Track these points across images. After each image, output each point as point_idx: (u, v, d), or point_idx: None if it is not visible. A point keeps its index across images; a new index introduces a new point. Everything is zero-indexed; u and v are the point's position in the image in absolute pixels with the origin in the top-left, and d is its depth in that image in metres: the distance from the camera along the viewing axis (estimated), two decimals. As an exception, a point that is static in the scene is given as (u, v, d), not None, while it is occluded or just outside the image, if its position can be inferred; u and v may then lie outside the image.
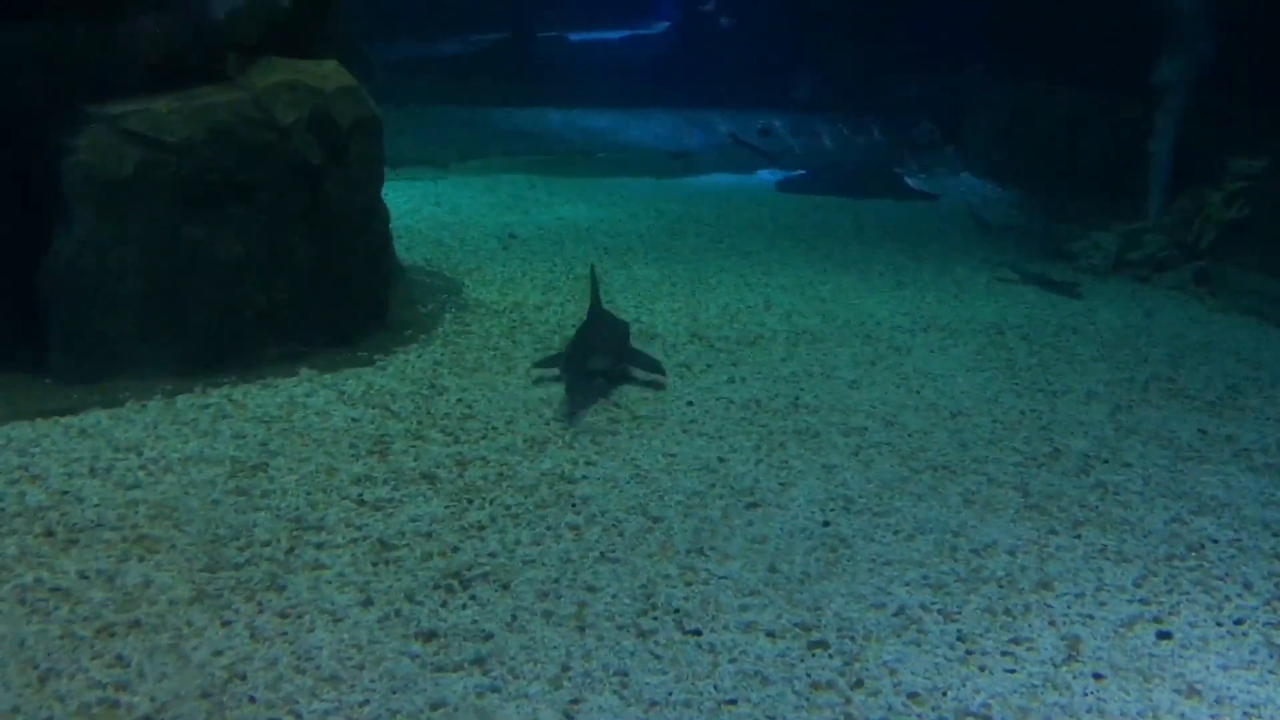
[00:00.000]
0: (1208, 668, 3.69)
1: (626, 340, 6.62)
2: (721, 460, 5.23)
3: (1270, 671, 3.67)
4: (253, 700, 3.30)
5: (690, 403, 5.99)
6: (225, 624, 3.68)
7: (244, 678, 3.40)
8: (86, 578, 3.93)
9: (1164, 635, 3.87)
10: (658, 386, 6.17)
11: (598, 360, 5.98)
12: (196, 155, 5.79)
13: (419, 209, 11.01)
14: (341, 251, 6.48)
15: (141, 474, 4.78)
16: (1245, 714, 3.45)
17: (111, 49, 5.87)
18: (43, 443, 5.06)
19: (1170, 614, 4.02)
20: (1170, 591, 4.18)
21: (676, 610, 3.89)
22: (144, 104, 5.77)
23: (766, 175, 14.36)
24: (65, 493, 4.58)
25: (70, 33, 5.76)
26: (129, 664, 3.44)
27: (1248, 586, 4.24)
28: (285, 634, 3.64)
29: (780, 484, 4.99)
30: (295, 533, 4.32)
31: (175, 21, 6.11)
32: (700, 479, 5.01)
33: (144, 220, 5.71)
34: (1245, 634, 3.90)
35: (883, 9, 16.55)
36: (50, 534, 4.24)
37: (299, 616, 3.74)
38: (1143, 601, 4.10)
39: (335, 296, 6.46)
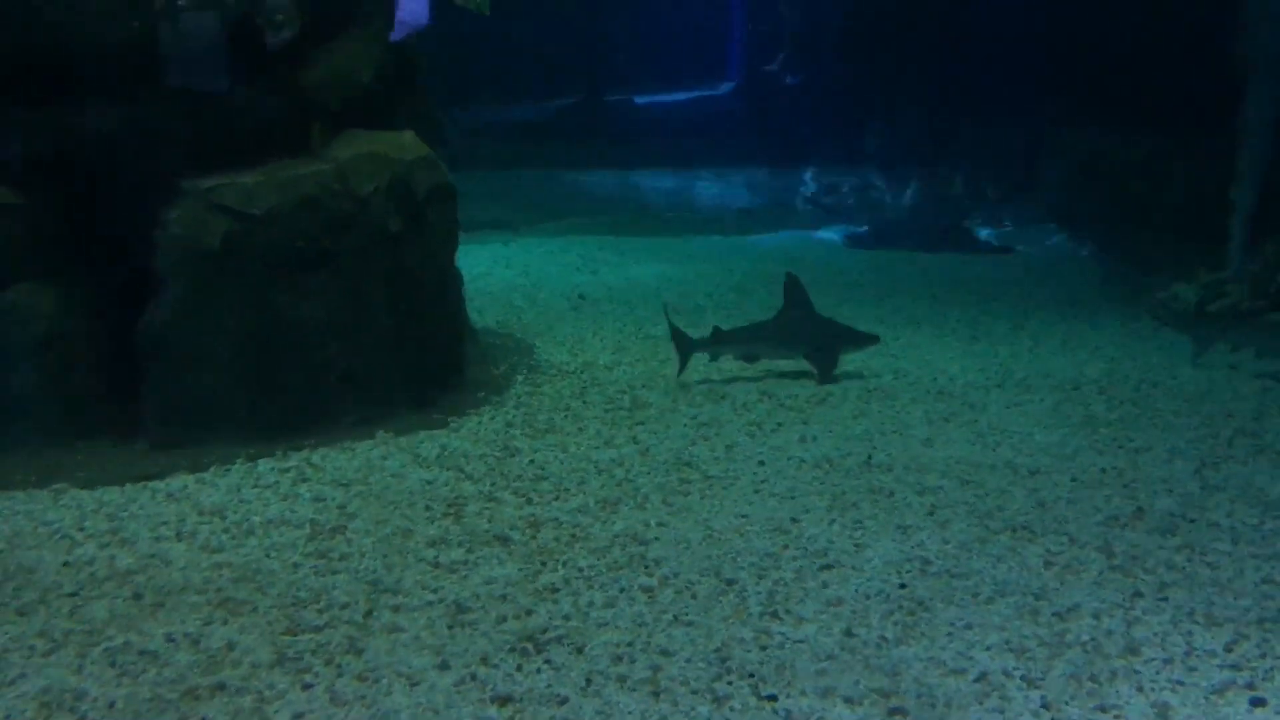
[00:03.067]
0: (1307, 738, 3.54)
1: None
2: (794, 521, 5.20)
3: (1375, 743, 3.52)
4: (332, 764, 3.34)
5: (762, 462, 5.97)
6: (306, 687, 3.74)
7: (324, 741, 3.44)
8: (173, 640, 4.03)
9: (1258, 702, 3.73)
10: (730, 446, 6.17)
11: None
12: (282, 225, 6.01)
13: (491, 271, 11.22)
14: (419, 315, 6.64)
15: (225, 537, 4.91)
16: (1349, 788, 3.30)
17: (204, 125, 6.15)
18: (131, 507, 5.24)
19: (1264, 680, 3.87)
20: (1263, 656, 4.03)
21: (751, 675, 3.86)
22: (233, 177, 6.02)
23: (834, 232, 14.37)
24: (153, 556, 4.72)
25: (167, 109, 6.04)
26: (213, 726, 3.51)
27: (1347, 652, 4.07)
28: (364, 697, 3.68)
29: (855, 545, 4.94)
30: (373, 595, 4.39)
31: (263, 98, 6.39)
32: (773, 540, 4.98)
33: (233, 289, 5.93)
34: (1346, 703, 3.74)
35: (952, 60, 16.55)
36: (139, 597, 4.36)
37: (377, 680, 3.79)
38: (1234, 667, 3.96)
39: (413, 359, 6.61)
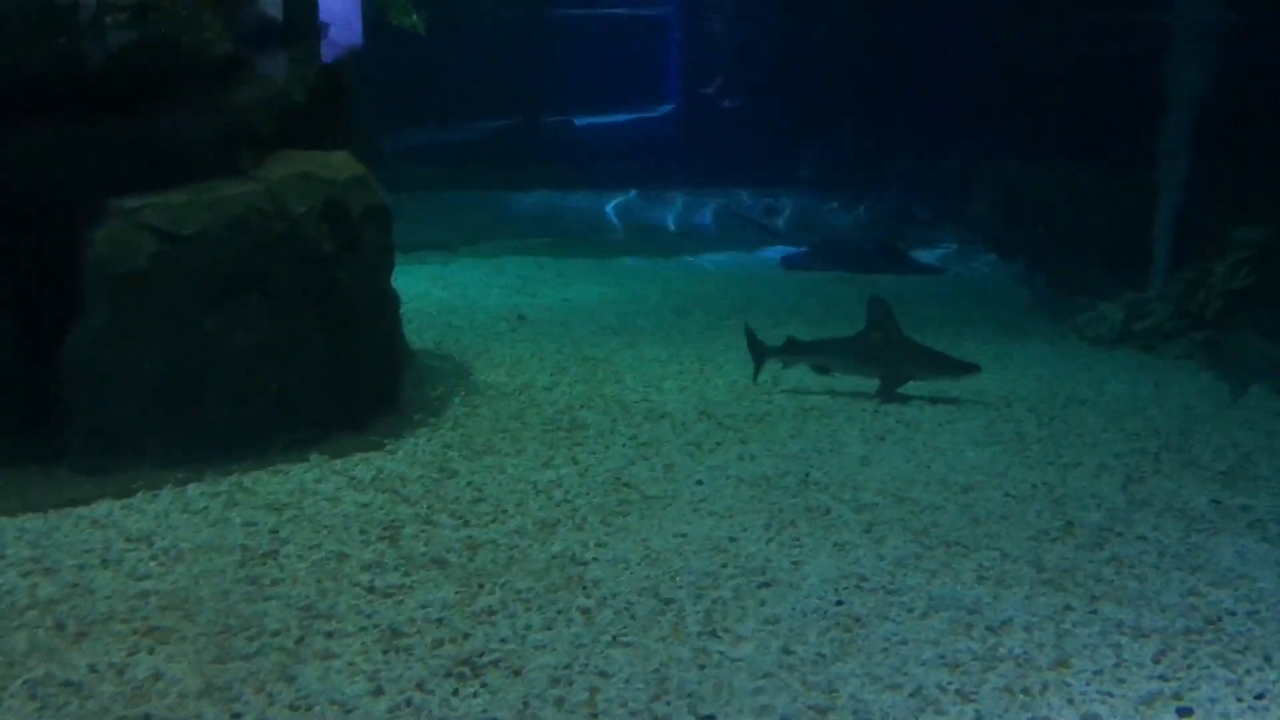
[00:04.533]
0: (1231, 745, 3.63)
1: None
2: (732, 539, 5.21)
3: (1295, 748, 3.61)
4: (262, 795, 3.26)
5: (700, 481, 5.99)
6: (235, 716, 3.65)
7: (254, 771, 3.36)
8: (97, 671, 3.91)
9: (1184, 712, 3.81)
10: (669, 466, 6.18)
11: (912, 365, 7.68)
12: (211, 247, 5.90)
13: (428, 293, 11.14)
14: (354, 338, 6.55)
15: (152, 564, 4.79)
16: (1272, 793, 3.39)
17: (131, 144, 6.03)
18: (55, 534, 5.08)
19: (1190, 690, 3.96)
20: (1189, 666, 4.13)
21: (689, 694, 3.85)
22: (161, 198, 5.90)
23: (771, 253, 14.51)
24: (76, 585, 4.58)
25: (91, 128, 5.92)
26: (138, 759, 3.41)
27: (1267, 659, 4.18)
28: (295, 725, 3.61)
29: (792, 563, 4.97)
30: (305, 621, 4.30)
31: (192, 118, 6.29)
32: (711, 559, 4.99)
33: (159, 311, 5.80)
34: (1267, 708, 3.84)
35: (887, 86, 16.88)
36: (61, 627, 4.23)
37: (309, 708, 3.71)
38: (1162, 678, 4.04)
39: (348, 382, 6.52)
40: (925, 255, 14.39)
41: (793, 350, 7.94)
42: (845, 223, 15.78)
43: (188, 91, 6.25)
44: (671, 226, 15.47)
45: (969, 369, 7.73)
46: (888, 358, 7.75)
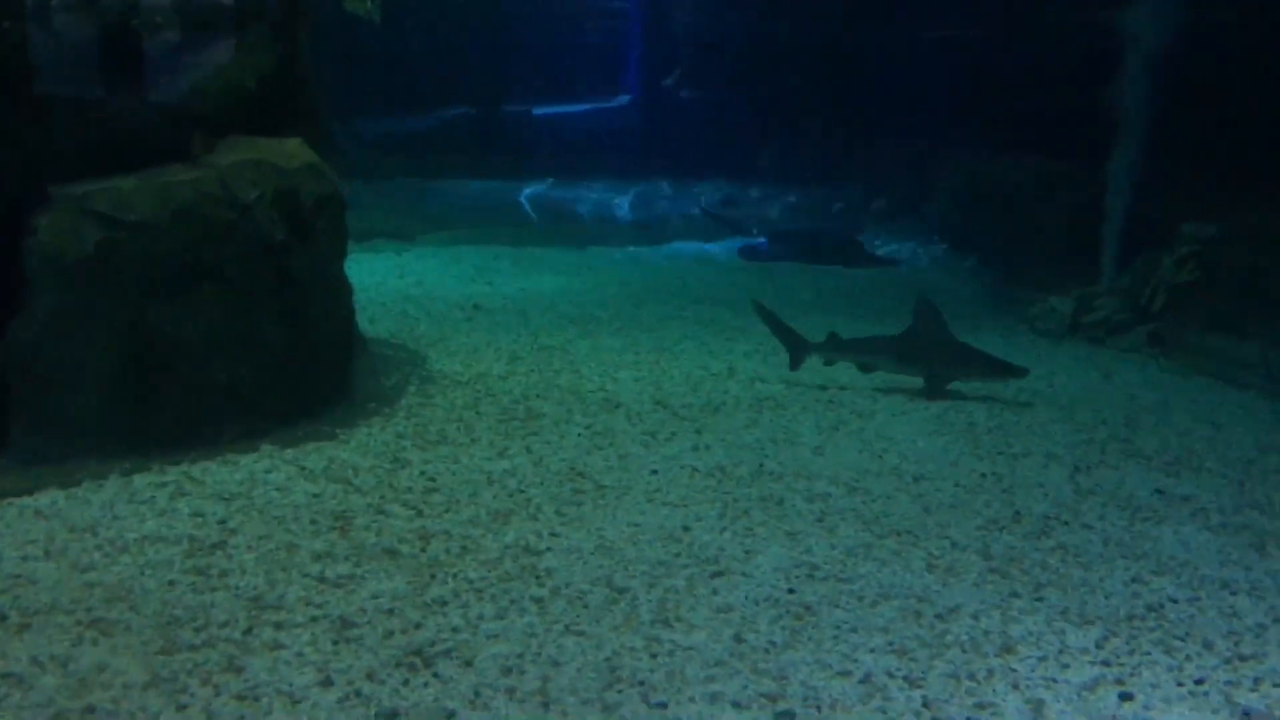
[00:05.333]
0: (1170, 729, 3.70)
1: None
2: (686, 529, 5.23)
3: (1232, 731, 3.69)
4: (208, 786, 3.22)
5: (655, 471, 6.00)
6: (181, 708, 3.61)
7: (200, 763, 3.33)
8: (39, 663, 3.85)
9: (1126, 697, 3.89)
10: (624, 456, 6.19)
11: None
12: (159, 234, 5.80)
13: (384, 282, 11.05)
14: (306, 327, 6.48)
15: (97, 555, 4.71)
16: (1208, 775, 3.46)
17: (79, 131, 5.92)
18: (-3, 525, 4.98)
19: (1132, 675, 4.04)
20: (1132, 653, 4.21)
21: (642, 683, 3.86)
22: (108, 184, 5.80)
23: (729, 244, 14.56)
24: (19, 575, 4.49)
25: (36, 112, 5.80)
26: (81, 752, 3.36)
27: (1208, 646, 4.27)
28: (243, 717, 3.57)
29: (745, 552, 5.00)
30: (254, 612, 4.26)
31: (141, 102, 6.18)
32: (665, 548, 5.00)
33: (106, 299, 5.69)
34: (1206, 694, 3.92)
35: (846, 80, 17.00)
36: (3, 618, 4.15)
37: (256, 699, 3.67)
38: (1105, 663, 4.12)
39: (300, 372, 6.45)
40: (881, 247, 14.51)
41: (834, 347, 7.84)
42: (802, 215, 15.86)
43: (138, 76, 6.14)
44: (630, 217, 15.46)
45: (1016, 371, 7.62)
46: (932, 357, 7.69)
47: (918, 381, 7.84)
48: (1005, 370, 7.64)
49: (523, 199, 15.43)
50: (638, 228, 14.92)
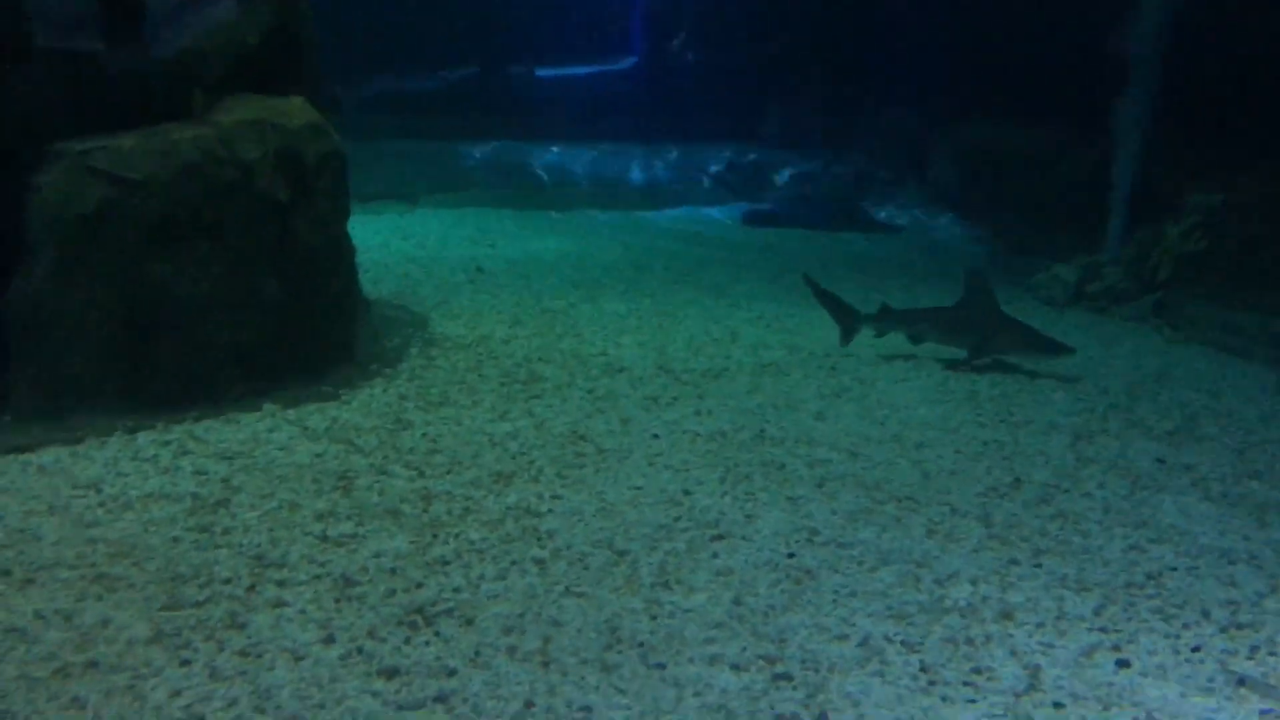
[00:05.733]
0: (1166, 696, 3.73)
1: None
2: (687, 493, 5.24)
3: (1227, 698, 3.72)
4: (212, 741, 3.26)
5: (656, 435, 6.01)
6: (184, 664, 3.64)
7: (202, 719, 3.36)
8: (43, 618, 3.87)
9: (1123, 664, 3.91)
10: (626, 420, 6.19)
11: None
12: (161, 192, 5.78)
13: (387, 243, 11.02)
14: (309, 287, 6.47)
15: (101, 511, 4.73)
16: (1203, 741, 3.49)
17: (80, 88, 5.87)
18: (0, 480, 5.00)
19: (1129, 642, 4.06)
20: (1129, 620, 4.23)
21: (641, 644, 3.89)
22: (109, 141, 5.76)
23: (734, 209, 14.49)
24: (23, 531, 4.52)
25: (37, 70, 5.75)
26: (85, 705, 3.39)
27: (1205, 614, 4.29)
28: (245, 673, 3.60)
29: (746, 516, 5.01)
30: (256, 570, 4.28)
31: (142, 59, 6.13)
32: (666, 512, 5.02)
33: (108, 257, 5.68)
34: (1202, 661, 3.95)
35: (850, 45, 16.83)
36: (7, 573, 4.17)
37: (259, 655, 3.70)
38: (1102, 630, 4.14)
39: (302, 332, 6.45)
40: (885, 214, 14.44)
41: (886, 317, 7.82)
42: (808, 181, 15.75)
43: (139, 32, 6.09)
44: (634, 180, 15.38)
45: (1063, 350, 7.53)
46: (983, 331, 7.62)
47: (912, 347, 7.83)
48: (1053, 348, 7.54)
49: (535, 163, 15.33)
50: (642, 192, 14.84)
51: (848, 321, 7.90)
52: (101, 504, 4.80)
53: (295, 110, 6.52)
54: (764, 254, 11.64)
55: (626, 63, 19.09)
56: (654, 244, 11.77)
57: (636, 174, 15.63)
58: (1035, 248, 11.30)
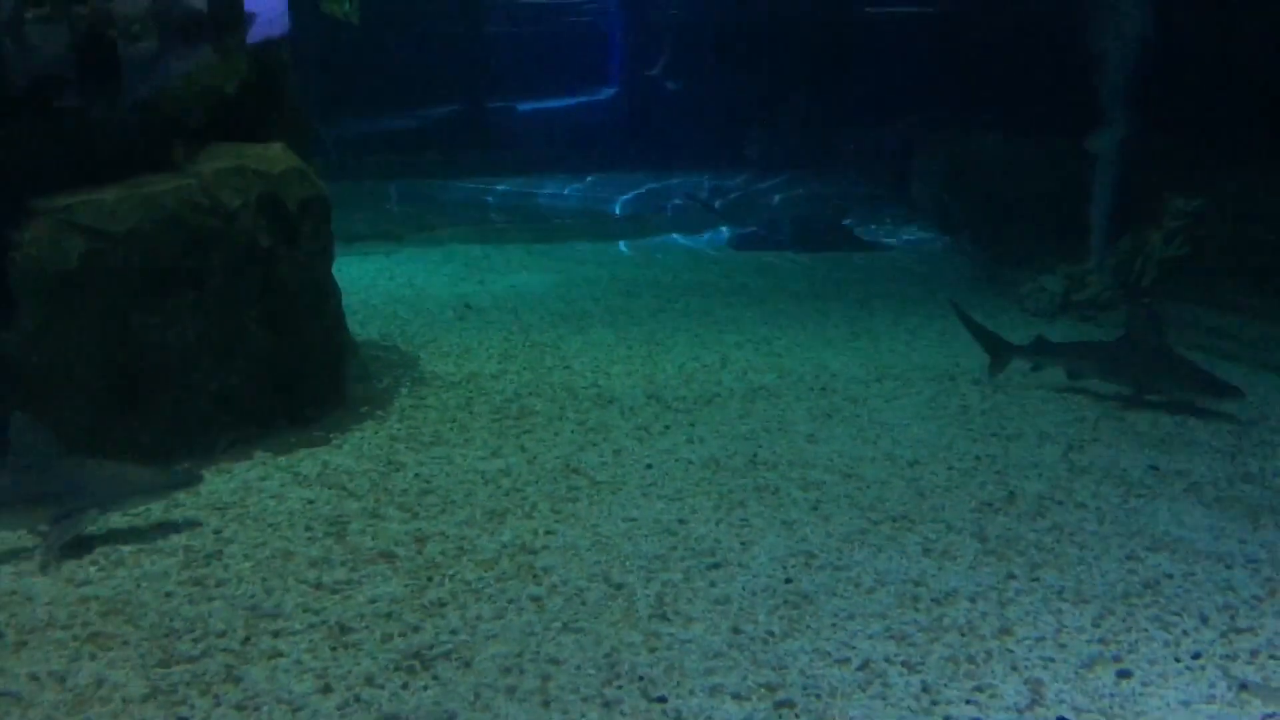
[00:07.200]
0: (1168, 704, 3.72)
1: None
2: (682, 522, 5.23)
3: (1229, 704, 3.71)
4: (210, 797, 3.22)
5: (649, 465, 6.00)
6: (180, 719, 3.61)
7: (201, 774, 3.33)
8: (37, 679, 3.85)
9: (1124, 674, 3.90)
10: (618, 451, 6.18)
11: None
12: (144, 244, 5.78)
13: (374, 284, 11.02)
14: (295, 332, 6.47)
15: (93, 569, 4.70)
16: (1208, 750, 3.48)
17: (59, 142, 5.89)
18: (-9, 542, 4.97)
19: (1130, 652, 4.05)
20: (1129, 630, 4.22)
21: (641, 678, 3.87)
22: (90, 195, 5.77)
23: (718, 233, 14.53)
24: (14, 592, 4.49)
25: (16, 126, 5.77)
26: (82, 767, 3.36)
27: (1203, 620, 4.28)
28: (243, 726, 3.57)
29: (741, 543, 5.00)
30: (251, 621, 4.26)
31: (121, 111, 6.15)
32: (661, 542, 5.00)
33: (93, 311, 5.67)
34: (1203, 668, 3.94)
35: (830, 65, 16.96)
36: (-1, 636, 4.15)
37: (256, 708, 3.68)
38: (1102, 641, 4.13)
39: (290, 377, 6.44)
40: (870, 232, 14.49)
41: (1041, 350, 7.54)
42: (792, 203, 15.81)
43: (117, 85, 6.11)
44: (619, 210, 15.43)
45: (1231, 391, 6.94)
46: (1145, 369, 7.19)
47: (903, 365, 7.83)
48: (1220, 389, 6.98)
49: (519, 197, 15.38)
50: (627, 220, 14.87)
51: (998, 352, 7.64)
52: (93, 561, 4.78)
53: (276, 156, 6.54)
54: (751, 278, 11.66)
55: (606, 93, 19.19)
56: (641, 273, 11.79)
57: (621, 203, 15.68)
58: (1022, 259, 11.32)
